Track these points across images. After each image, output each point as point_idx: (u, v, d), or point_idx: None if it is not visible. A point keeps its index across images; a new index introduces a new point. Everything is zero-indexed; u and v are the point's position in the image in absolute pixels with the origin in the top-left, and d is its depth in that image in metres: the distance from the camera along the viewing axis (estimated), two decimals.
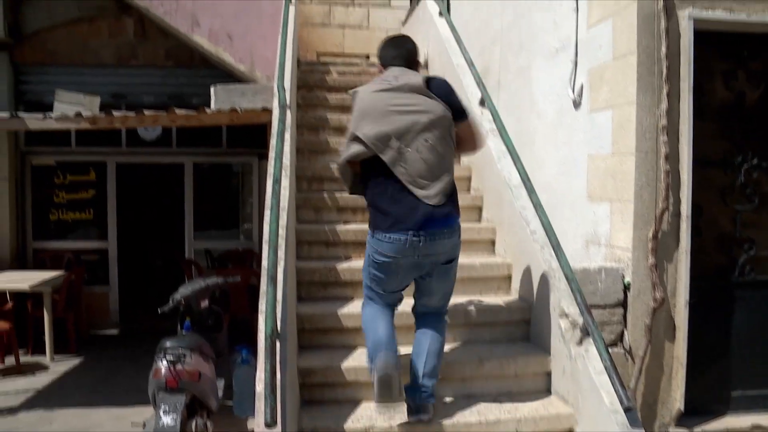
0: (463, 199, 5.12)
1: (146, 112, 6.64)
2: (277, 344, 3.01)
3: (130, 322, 9.10)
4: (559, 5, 5.04)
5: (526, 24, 5.70)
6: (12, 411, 5.77)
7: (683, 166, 4.17)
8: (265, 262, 3.36)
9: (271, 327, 2.95)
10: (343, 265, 4.37)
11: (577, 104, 4.78)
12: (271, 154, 4.07)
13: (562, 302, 3.73)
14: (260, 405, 2.79)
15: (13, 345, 7.03)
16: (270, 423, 2.62)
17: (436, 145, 3.38)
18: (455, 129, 3.51)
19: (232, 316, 7.26)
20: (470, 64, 5.48)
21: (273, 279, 3.15)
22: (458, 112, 3.52)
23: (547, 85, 5.24)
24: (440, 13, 6.61)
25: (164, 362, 4.31)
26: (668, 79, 4.09)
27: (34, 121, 6.71)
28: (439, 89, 3.50)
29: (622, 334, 4.24)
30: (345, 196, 5.00)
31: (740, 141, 4.48)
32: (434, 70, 6.63)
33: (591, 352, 3.48)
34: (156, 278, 9.63)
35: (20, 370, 6.94)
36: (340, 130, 5.84)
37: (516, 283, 4.47)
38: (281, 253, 3.59)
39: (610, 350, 3.41)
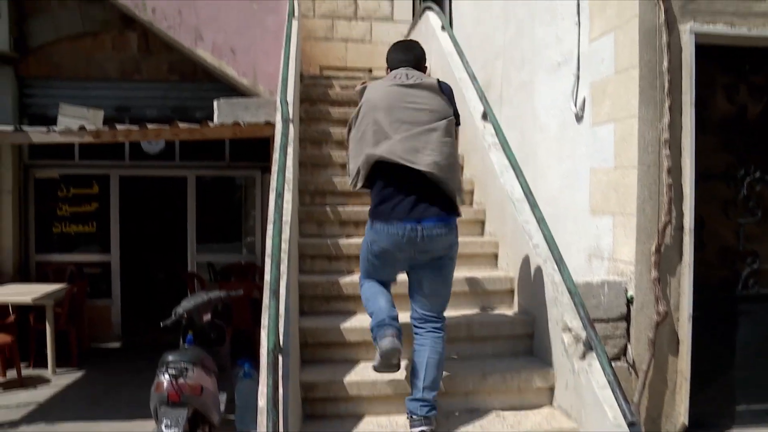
0: (465, 213, 5.16)
1: (149, 126, 6.66)
2: (280, 359, 3.00)
3: (132, 336, 9.08)
4: (561, 20, 5.07)
5: (528, 38, 5.72)
6: (13, 425, 5.75)
7: (686, 179, 4.18)
8: (267, 277, 3.37)
9: (273, 341, 2.95)
10: (345, 279, 4.37)
11: (579, 118, 4.79)
12: (274, 168, 4.08)
13: (565, 316, 3.72)
14: (262, 420, 2.78)
15: (15, 358, 7.02)
16: None
17: (445, 142, 3.51)
18: None
19: (235, 329, 7.24)
20: (473, 78, 5.50)
21: (275, 293, 3.15)
22: (457, 117, 3.70)
23: (550, 99, 5.25)
24: (443, 27, 6.63)
25: (166, 376, 4.30)
26: (670, 92, 4.10)
27: (37, 134, 6.73)
28: (449, 93, 3.68)
29: (625, 348, 4.23)
30: (347, 210, 5.01)
31: (742, 154, 4.49)
32: None
33: (594, 366, 3.47)
34: (158, 291, 9.61)
35: (22, 383, 6.92)
36: (343, 143, 5.84)
37: (519, 297, 4.46)
38: (284, 268, 3.59)
39: (613, 364, 3.40)
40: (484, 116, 5.25)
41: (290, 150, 4.56)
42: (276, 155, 4.21)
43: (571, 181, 4.89)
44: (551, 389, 3.84)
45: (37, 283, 8.30)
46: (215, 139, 7.87)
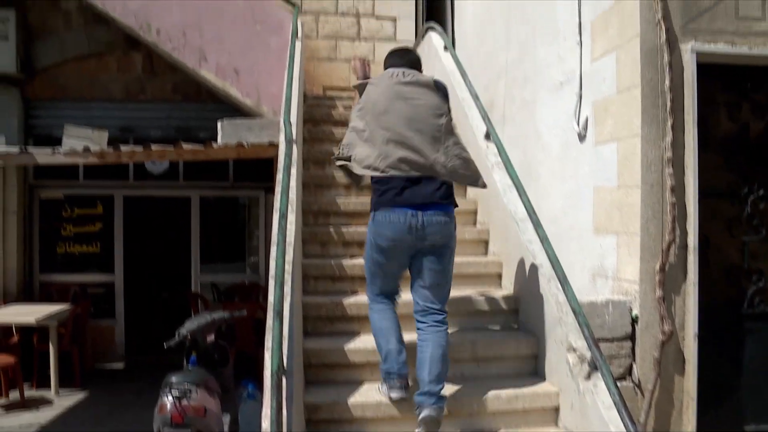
0: (469, 233, 5.18)
1: (153, 147, 6.69)
2: (284, 380, 2.99)
3: (135, 356, 9.06)
4: (563, 39, 5.09)
5: (530, 58, 5.75)
6: None
7: (689, 198, 4.17)
8: (271, 298, 3.36)
9: (277, 363, 2.94)
10: (349, 300, 4.36)
11: (582, 137, 4.79)
12: (278, 189, 4.09)
13: (570, 336, 3.71)
14: None
15: (18, 379, 7.00)
16: None
17: (450, 145, 3.75)
18: None
19: (239, 350, 7.22)
20: (475, 98, 5.52)
21: (279, 314, 3.14)
22: (448, 112, 3.93)
23: (552, 119, 5.26)
24: (445, 48, 6.67)
25: (170, 397, 4.29)
26: (672, 111, 4.11)
27: (43, 155, 6.76)
28: (444, 89, 3.94)
29: (630, 368, 4.20)
30: (351, 231, 5.01)
31: (746, 172, 4.48)
32: None
33: (599, 386, 3.45)
34: (162, 312, 9.60)
35: (25, 404, 6.90)
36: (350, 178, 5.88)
37: (523, 317, 4.44)
38: (287, 289, 3.59)
39: (618, 384, 3.39)
40: (487, 136, 5.26)
41: (293, 171, 4.57)
42: (279, 176, 4.23)
43: (575, 200, 4.88)
44: (556, 410, 3.81)
45: (41, 303, 8.30)
46: (219, 159, 7.89)
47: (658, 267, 4.07)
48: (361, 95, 4.02)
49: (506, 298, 4.58)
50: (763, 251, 4.49)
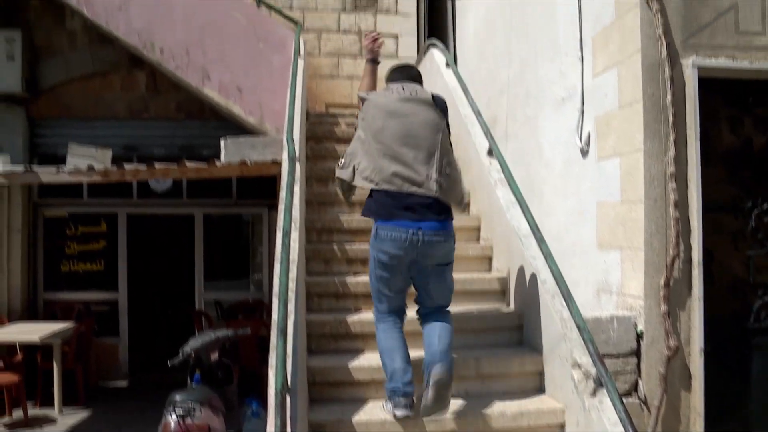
0: (473, 250, 5.18)
1: (157, 165, 6.72)
2: (288, 399, 2.98)
3: (139, 374, 9.04)
4: (565, 55, 5.11)
5: (532, 74, 5.77)
6: None
7: (693, 212, 4.16)
8: (275, 316, 3.36)
9: (281, 381, 2.93)
10: (353, 318, 4.35)
11: (584, 152, 4.80)
12: (281, 207, 4.09)
13: (575, 352, 3.69)
14: None
15: (21, 398, 6.99)
16: None
17: (445, 163, 3.81)
18: None
19: (243, 368, 7.21)
20: (477, 114, 5.54)
21: (283, 333, 3.14)
22: (448, 127, 4.00)
23: (555, 134, 5.27)
24: (447, 64, 6.70)
25: (173, 416, 4.28)
26: (674, 126, 4.11)
27: (47, 174, 6.80)
28: (442, 105, 4.01)
29: (636, 384, 4.17)
30: (354, 248, 5.01)
31: (750, 186, 4.47)
32: None
33: (605, 403, 3.43)
34: (166, 329, 9.59)
35: (28, 423, 6.88)
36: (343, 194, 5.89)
37: (528, 334, 4.43)
38: (291, 307, 3.59)
39: (624, 400, 3.35)
40: (490, 152, 5.27)
41: (297, 188, 4.58)
42: (283, 194, 4.23)
43: (578, 215, 4.88)
44: (562, 427, 3.79)
45: (45, 321, 8.31)
46: (222, 177, 7.92)
47: (662, 282, 4.06)
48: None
49: (510, 315, 4.57)
50: None
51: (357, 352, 4.22)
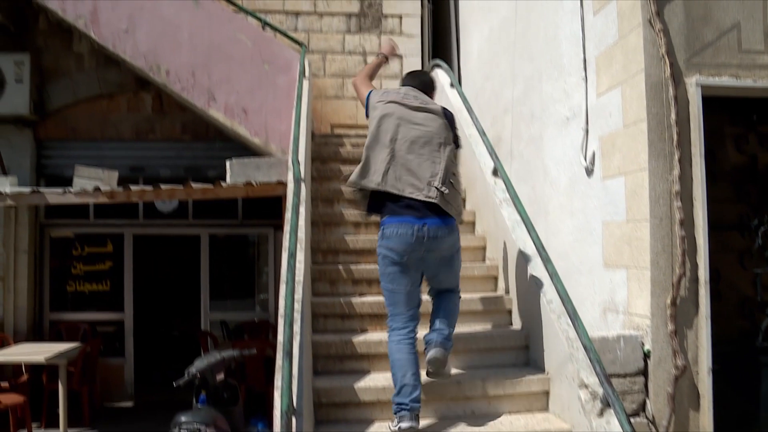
0: (478, 269, 5.18)
1: (163, 186, 6.74)
2: (293, 420, 2.97)
3: (145, 395, 9.01)
4: (568, 75, 5.14)
5: (536, 93, 5.79)
6: None
7: (699, 230, 4.15)
8: (280, 337, 3.36)
9: (287, 403, 2.92)
10: (359, 338, 4.35)
11: (589, 172, 4.80)
12: (287, 228, 4.11)
13: (581, 372, 3.68)
14: None
15: (27, 419, 6.96)
16: None
17: (449, 173, 3.95)
18: None
19: (248, 388, 7.19)
20: (482, 134, 5.56)
21: (289, 354, 3.13)
22: (457, 140, 4.18)
23: (560, 153, 5.28)
24: (451, 85, 6.73)
25: None
26: (679, 144, 4.11)
27: (54, 195, 6.83)
28: (450, 118, 4.16)
29: (644, 404, 4.14)
30: (360, 269, 5.01)
31: (756, 204, 4.47)
32: None
33: (612, 423, 3.41)
34: (172, 350, 9.59)
35: None
36: (355, 201, 5.89)
37: (534, 353, 4.41)
38: (297, 328, 3.59)
39: (632, 420, 3.34)
40: (495, 172, 5.29)
41: (302, 209, 4.59)
42: (288, 215, 4.25)
43: (584, 235, 4.88)
44: None
45: (51, 341, 8.30)
46: (228, 198, 7.94)
47: (669, 301, 4.04)
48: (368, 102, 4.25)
49: (516, 335, 4.55)
50: None
51: (363, 372, 4.21)
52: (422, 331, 3.97)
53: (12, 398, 6.83)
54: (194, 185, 6.71)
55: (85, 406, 7.66)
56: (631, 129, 4.31)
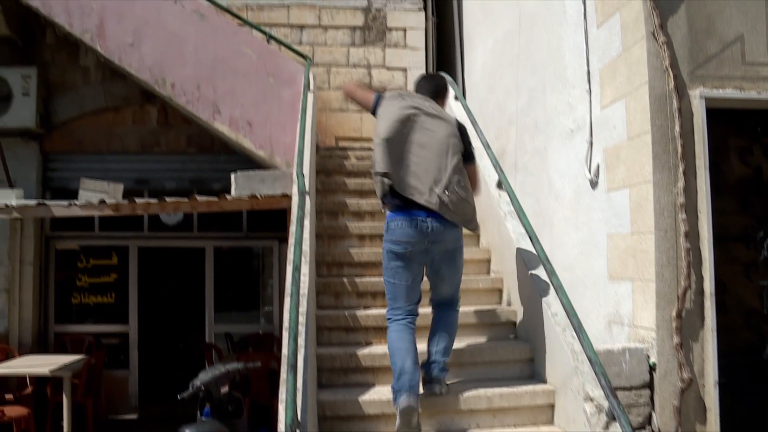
0: (483, 282, 5.17)
1: (168, 199, 6.77)
2: None
3: (149, 407, 9.00)
4: (572, 88, 5.14)
5: (540, 106, 5.80)
6: None
7: (704, 243, 4.14)
8: (285, 350, 3.35)
9: (291, 416, 2.91)
10: (363, 351, 4.34)
11: (594, 184, 4.80)
12: (291, 241, 4.11)
13: (587, 385, 3.66)
14: None
15: (31, 431, 6.95)
16: None
17: (461, 184, 4.05)
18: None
19: (253, 401, 7.17)
20: (486, 147, 5.57)
21: (293, 367, 3.13)
22: (470, 154, 4.31)
23: (564, 166, 5.28)
24: (456, 97, 6.75)
25: None
26: (684, 157, 4.11)
27: (59, 208, 6.86)
28: (463, 130, 4.29)
29: (650, 417, 4.12)
30: (365, 281, 5.01)
31: (761, 215, 4.46)
32: None
33: None
34: (176, 362, 9.58)
35: None
36: (359, 214, 5.93)
37: (538, 367, 4.40)
38: (301, 341, 3.58)
39: None
40: (499, 185, 5.29)
41: (307, 222, 4.60)
42: (293, 228, 4.25)
43: (588, 247, 4.87)
44: None
45: (56, 353, 8.30)
46: (233, 210, 7.96)
47: (674, 313, 4.03)
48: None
49: (521, 348, 4.54)
50: None
51: (367, 385, 4.20)
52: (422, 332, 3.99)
53: (16, 410, 6.83)
54: (199, 198, 6.73)
55: (90, 419, 7.64)
56: (635, 141, 4.31)
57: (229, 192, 6.75)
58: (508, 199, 4.97)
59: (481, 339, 4.71)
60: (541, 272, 4.40)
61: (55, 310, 9.10)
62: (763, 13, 4.31)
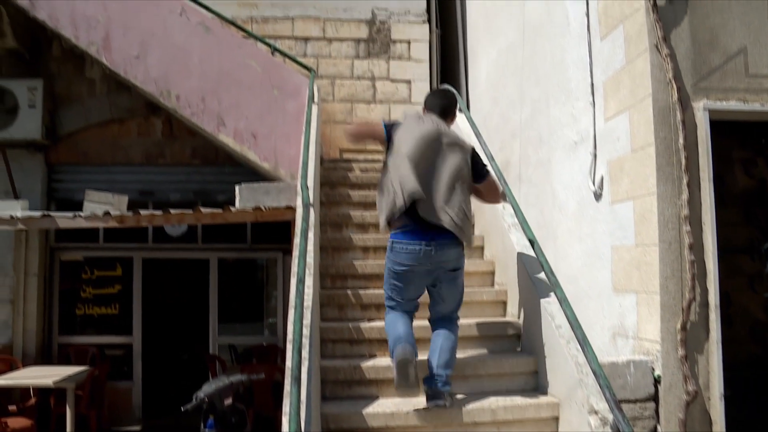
0: (487, 294, 5.16)
1: (172, 211, 6.78)
2: None
3: (153, 419, 8.98)
4: (576, 100, 5.16)
5: (544, 118, 5.81)
6: None
7: (708, 255, 4.14)
8: (289, 363, 3.35)
9: (295, 429, 2.91)
10: (367, 363, 4.33)
11: (598, 196, 4.80)
12: (295, 253, 4.12)
13: (591, 398, 3.65)
14: None
15: None
16: None
17: (462, 201, 4.13)
18: (481, 185, 4.42)
19: (257, 413, 7.16)
20: (490, 159, 5.57)
21: (297, 380, 3.13)
22: (484, 172, 4.44)
23: (568, 178, 5.28)
24: (459, 109, 6.75)
25: None
26: (687, 169, 4.11)
27: (64, 220, 6.87)
28: (472, 153, 4.33)
29: (655, 430, 4.10)
30: (369, 293, 5.01)
31: (765, 227, 4.45)
32: None
33: None
34: (180, 374, 9.57)
35: None
36: (363, 226, 5.93)
37: (543, 379, 4.38)
38: (305, 353, 3.58)
39: None
40: (503, 197, 5.28)
41: (311, 235, 4.60)
42: (297, 240, 4.27)
43: (592, 259, 4.86)
44: None
45: (59, 365, 8.30)
46: (237, 222, 7.97)
47: (679, 326, 4.02)
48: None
49: (525, 360, 4.53)
50: None
51: (371, 398, 4.19)
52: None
53: (20, 422, 6.82)
54: (203, 210, 6.74)
55: (93, 430, 7.63)
56: (639, 153, 4.31)
57: (233, 204, 6.76)
58: (512, 211, 4.97)
59: (485, 351, 4.70)
60: (545, 284, 4.39)
61: (60, 321, 9.10)
62: (766, 25, 4.32)
